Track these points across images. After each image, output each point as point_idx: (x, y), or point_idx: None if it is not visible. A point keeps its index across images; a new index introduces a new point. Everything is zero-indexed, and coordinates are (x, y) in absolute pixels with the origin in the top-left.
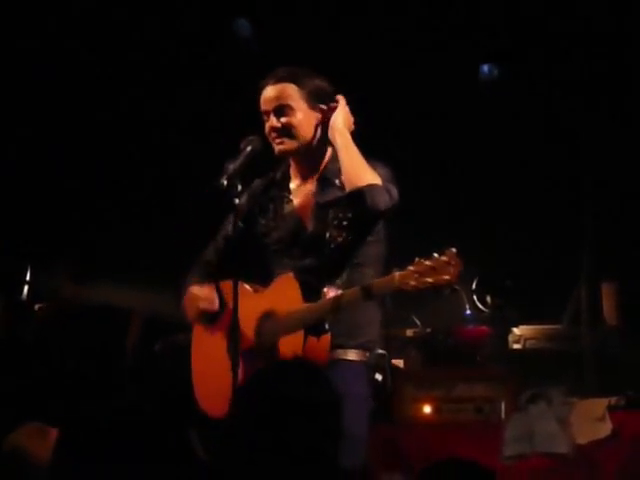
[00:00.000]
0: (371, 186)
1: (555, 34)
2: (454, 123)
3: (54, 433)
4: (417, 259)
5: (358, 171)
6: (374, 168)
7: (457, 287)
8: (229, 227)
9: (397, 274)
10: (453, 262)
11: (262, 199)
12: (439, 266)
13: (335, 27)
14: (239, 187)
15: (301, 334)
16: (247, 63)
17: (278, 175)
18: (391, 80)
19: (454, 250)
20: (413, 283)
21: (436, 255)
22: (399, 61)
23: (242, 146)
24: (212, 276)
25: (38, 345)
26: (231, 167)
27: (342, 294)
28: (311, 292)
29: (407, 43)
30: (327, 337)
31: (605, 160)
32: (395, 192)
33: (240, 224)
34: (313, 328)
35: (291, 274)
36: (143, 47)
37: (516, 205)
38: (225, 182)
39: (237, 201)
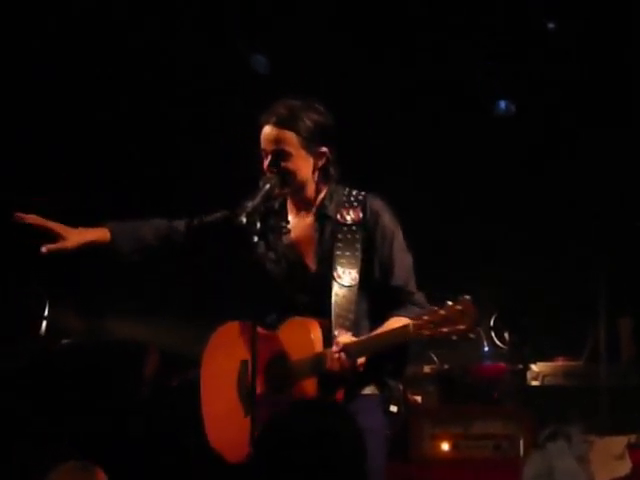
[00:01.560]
0: None
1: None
2: (466, 154)
3: (98, 472)
4: (431, 308)
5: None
6: (402, 260)
7: (472, 336)
8: (217, 216)
9: (411, 324)
10: (468, 311)
11: (262, 227)
12: (454, 316)
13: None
14: (258, 225)
15: (314, 381)
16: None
17: (277, 205)
18: (394, 93)
19: (468, 298)
20: (427, 333)
21: (450, 303)
22: (399, 66)
23: (260, 184)
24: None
25: (56, 379)
26: (249, 205)
27: (353, 344)
28: (325, 337)
29: (407, 44)
30: (340, 392)
31: (620, 194)
32: (414, 288)
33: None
34: (326, 376)
35: (306, 319)
36: (143, 48)
37: (533, 243)
38: (244, 220)
39: (256, 239)
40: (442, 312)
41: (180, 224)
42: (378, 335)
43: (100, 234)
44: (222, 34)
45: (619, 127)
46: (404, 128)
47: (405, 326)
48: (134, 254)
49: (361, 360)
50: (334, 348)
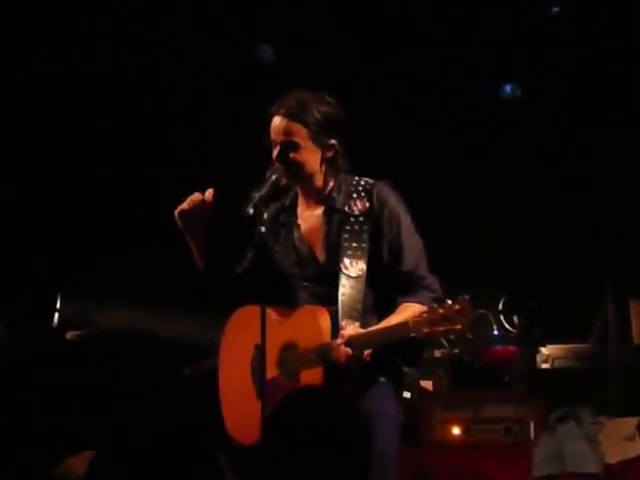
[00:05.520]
0: None
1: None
2: (472, 145)
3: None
4: (430, 306)
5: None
6: (411, 244)
7: (469, 336)
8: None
9: (411, 321)
10: (465, 311)
11: (274, 225)
12: (451, 315)
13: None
14: (264, 215)
15: (320, 370)
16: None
17: (287, 201)
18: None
19: (467, 297)
20: (426, 330)
21: (449, 302)
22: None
23: (267, 175)
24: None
25: (67, 370)
26: (257, 196)
27: (357, 336)
28: (334, 326)
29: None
30: (347, 381)
31: (624, 178)
32: (425, 272)
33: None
34: (332, 365)
35: (317, 307)
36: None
37: (542, 226)
38: (251, 210)
39: (263, 229)
40: (440, 310)
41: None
42: (381, 329)
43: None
44: (225, 33)
45: (624, 126)
46: (408, 123)
47: (405, 322)
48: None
49: (367, 351)
50: (339, 340)
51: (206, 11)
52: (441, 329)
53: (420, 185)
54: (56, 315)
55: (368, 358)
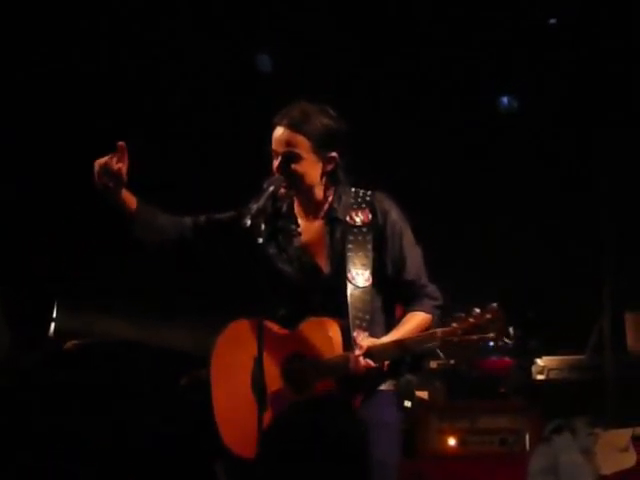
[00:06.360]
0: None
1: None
2: (469, 148)
3: None
4: (459, 315)
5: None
6: (412, 254)
7: (507, 341)
8: (224, 217)
9: (439, 330)
10: (496, 319)
11: (270, 228)
12: (483, 323)
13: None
14: (262, 227)
15: (333, 381)
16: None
17: (284, 207)
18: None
19: (495, 305)
20: (456, 340)
21: (478, 310)
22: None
23: (265, 186)
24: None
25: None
26: (254, 207)
27: (377, 347)
28: (344, 337)
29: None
30: (360, 391)
31: (625, 188)
32: (426, 281)
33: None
34: (345, 379)
35: (324, 319)
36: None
37: (539, 237)
38: (248, 222)
39: (260, 240)
40: (471, 320)
41: (187, 220)
42: (403, 340)
43: (132, 201)
44: (225, 34)
45: (625, 126)
46: (408, 123)
47: (432, 333)
48: (148, 238)
49: (386, 362)
50: (357, 352)
51: (206, 11)
52: (474, 338)
53: (420, 185)
54: (52, 325)
55: (386, 368)
